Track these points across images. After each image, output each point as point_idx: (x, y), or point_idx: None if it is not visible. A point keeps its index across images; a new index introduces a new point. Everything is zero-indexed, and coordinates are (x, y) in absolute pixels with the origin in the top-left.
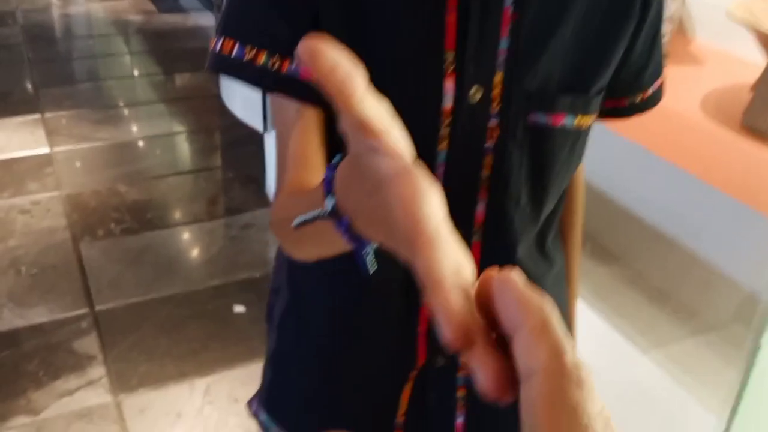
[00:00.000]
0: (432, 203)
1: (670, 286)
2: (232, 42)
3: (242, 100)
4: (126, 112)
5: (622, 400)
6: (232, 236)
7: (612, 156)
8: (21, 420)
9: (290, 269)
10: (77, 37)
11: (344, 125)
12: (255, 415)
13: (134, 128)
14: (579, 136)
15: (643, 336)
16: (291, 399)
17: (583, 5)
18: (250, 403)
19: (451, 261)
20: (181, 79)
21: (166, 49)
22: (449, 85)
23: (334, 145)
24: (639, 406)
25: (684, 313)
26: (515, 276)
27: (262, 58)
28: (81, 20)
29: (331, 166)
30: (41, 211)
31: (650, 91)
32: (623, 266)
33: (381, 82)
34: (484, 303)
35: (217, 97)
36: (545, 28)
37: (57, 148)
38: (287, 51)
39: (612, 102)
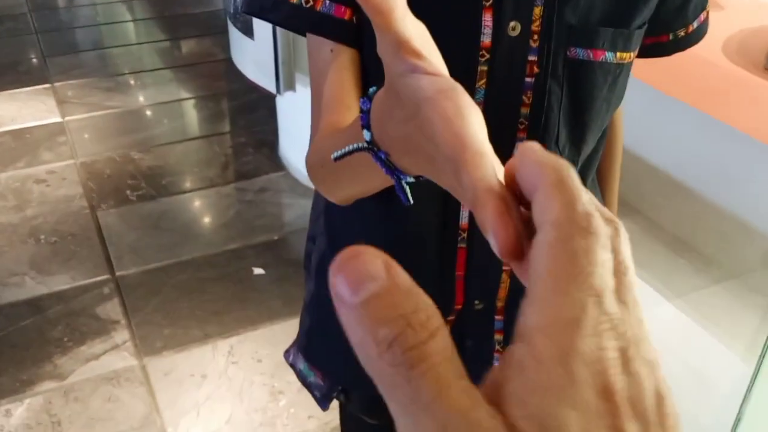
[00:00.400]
0: (476, 120)
1: (690, 235)
2: None
3: (254, 63)
4: (135, 79)
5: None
6: (248, 200)
7: (628, 101)
8: (48, 385)
9: (328, 216)
10: (81, 5)
11: (383, 47)
12: (292, 365)
13: (145, 95)
14: (620, 72)
15: (666, 285)
16: (330, 345)
17: None
18: (286, 353)
19: (497, 176)
20: (187, 45)
21: (171, 15)
22: (487, 20)
23: (369, 87)
24: (666, 353)
25: (705, 262)
26: (535, 144)
27: None
28: None
29: (366, 99)
30: (57, 180)
31: (694, 25)
32: (642, 216)
33: (418, 18)
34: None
35: (225, 62)
36: None
37: (69, 117)
38: None
39: (653, 38)
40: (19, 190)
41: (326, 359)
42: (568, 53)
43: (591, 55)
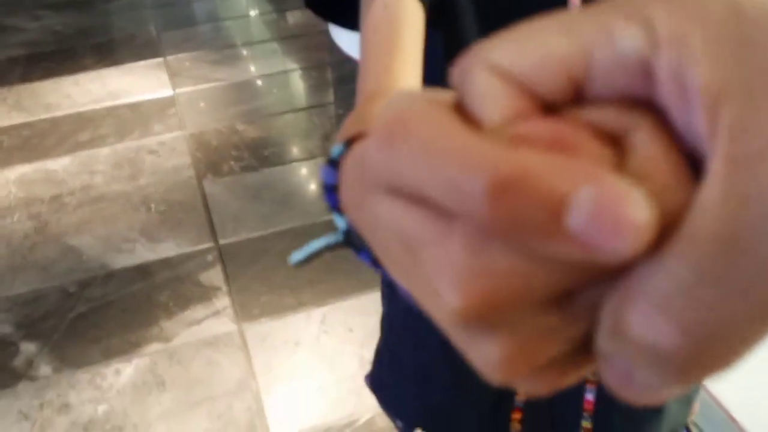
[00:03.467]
0: None
1: None
2: None
3: (349, 35)
4: (242, 51)
5: None
6: None
7: None
8: (154, 347)
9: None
10: None
11: None
12: (373, 391)
13: (250, 67)
14: None
15: None
16: (399, 395)
17: None
18: (367, 378)
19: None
20: (292, 17)
21: None
22: None
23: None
24: None
25: None
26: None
27: None
28: None
29: (329, 166)
30: (167, 151)
31: None
32: None
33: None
34: None
35: (327, 34)
36: None
37: (179, 90)
38: None
39: None
40: (133, 160)
41: (392, 403)
42: None
43: None
